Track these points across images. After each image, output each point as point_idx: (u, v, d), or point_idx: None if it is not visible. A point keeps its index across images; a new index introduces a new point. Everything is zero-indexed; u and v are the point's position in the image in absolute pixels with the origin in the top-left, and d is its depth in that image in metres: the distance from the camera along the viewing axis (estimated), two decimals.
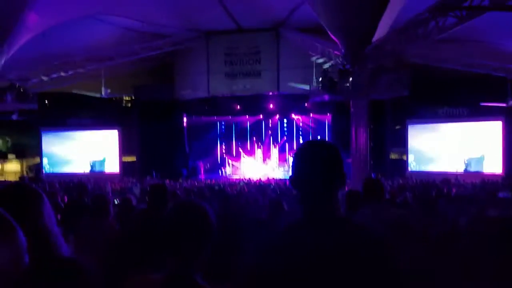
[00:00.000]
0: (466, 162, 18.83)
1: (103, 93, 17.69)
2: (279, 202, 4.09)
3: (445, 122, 19.44)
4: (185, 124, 22.24)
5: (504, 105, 16.48)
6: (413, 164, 20.09)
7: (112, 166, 21.82)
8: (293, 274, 1.26)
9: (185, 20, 17.78)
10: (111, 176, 20.07)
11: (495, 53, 15.61)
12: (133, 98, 22.22)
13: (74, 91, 19.07)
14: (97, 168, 21.67)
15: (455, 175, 16.61)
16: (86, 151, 21.75)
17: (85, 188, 5.84)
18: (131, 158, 22.10)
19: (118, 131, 21.88)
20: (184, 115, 22.07)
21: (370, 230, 1.32)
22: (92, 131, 21.83)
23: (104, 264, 2.43)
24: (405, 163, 20.32)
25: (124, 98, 22.43)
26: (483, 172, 17.65)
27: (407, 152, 20.28)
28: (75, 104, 20.60)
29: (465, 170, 18.54)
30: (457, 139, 18.99)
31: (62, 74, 17.06)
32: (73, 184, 15.06)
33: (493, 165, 17.99)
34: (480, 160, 18.56)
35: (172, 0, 15.21)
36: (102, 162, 21.79)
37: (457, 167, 18.76)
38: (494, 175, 16.24)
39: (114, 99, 21.56)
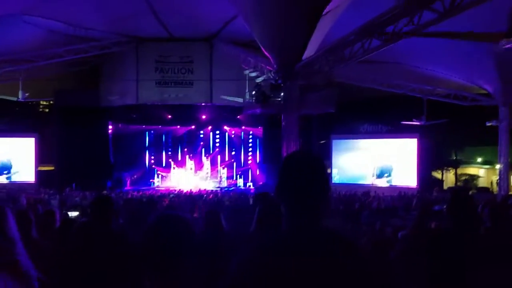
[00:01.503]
0: (385, 176, 20.15)
1: (20, 96, 16.31)
2: (217, 214, 4.02)
3: (366, 138, 20.72)
4: (110, 132, 21.18)
5: (419, 123, 17.94)
6: (337, 177, 21.07)
7: (27, 175, 20.12)
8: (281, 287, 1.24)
9: (114, 24, 17.09)
10: (25, 186, 18.47)
11: (412, 75, 17.03)
12: (51, 102, 20.63)
13: None
14: (10, 178, 19.88)
15: (375, 188, 17.70)
16: None
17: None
18: (48, 167, 20.54)
19: (35, 137, 20.28)
20: (110, 122, 21.02)
21: (357, 245, 1.34)
22: (6, 138, 20.03)
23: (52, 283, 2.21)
24: (330, 176, 21.24)
25: (41, 102, 20.76)
26: (399, 186, 19.01)
27: (331, 165, 21.25)
28: None
29: (383, 184, 19.82)
30: (377, 154, 20.31)
31: None
32: None
33: (409, 179, 19.44)
34: (396, 174, 19.97)
35: (102, 4, 14.57)
36: (11, 171, 20.02)
37: (376, 181, 20.02)
38: (409, 188, 17.53)
39: (30, 103, 19.90)
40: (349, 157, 20.95)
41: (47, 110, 21.25)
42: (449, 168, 19.86)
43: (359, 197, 14.34)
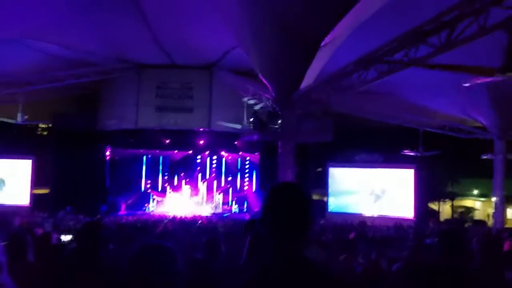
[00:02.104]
0: (380, 205, 20.07)
1: (19, 119, 16.38)
2: (217, 242, 4.02)
3: (362, 167, 20.75)
4: (107, 156, 21.19)
5: (415, 154, 18.03)
6: (332, 205, 20.97)
7: (21, 198, 19.95)
8: None
9: (115, 50, 17.40)
10: (19, 208, 18.28)
11: (407, 106, 17.25)
12: (49, 126, 20.70)
13: None
14: (3, 200, 19.68)
15: (370, 218, 17.60)
16: None
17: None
18: (43, 190, 20.39)
19: (32, 160, 20.23)
20: (107, 146, 21.06)
21: (340, 277, 1.36)
22: (3, 160, 19.98)
23: None
24: (325, 204, 21.15)
25: (39, 125, 20.80)
26: (396, 216, 18.91)
27: (328, 194, 21.18)
28: None
29: (379, 214, 19.73)
30: (373, 184, 20.30)
31: None
32: None
33: (405, 210, 19.36)
34: (393, 204, 19.90)
35: (103, 30, 14.85)
36: (4, 193, 19.86)
37: (372, 210, 19.94)
38: (406, 219, 17.44)
39: (28, 126, 19.97)
40: (345, 185, 20.92)
41: (45, 133, 21.23)
42: (446, 200, 19.84)
43: (355, 226, 14.25)
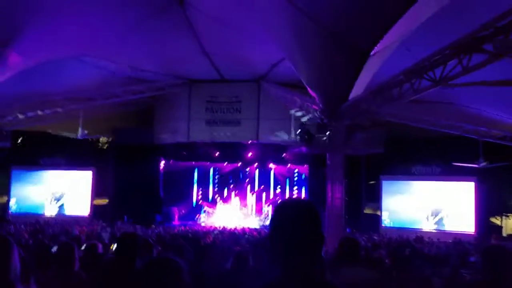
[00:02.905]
0: (438, 220, 19.08)
1: (79, 134, 17.43)
2: (245, 256, 4.00)
3: (418, 180, 19.85)
4: (161, 168, 21.99)
5: (476, 165, 16.98)
6: (387, 220, 20.21)
7: (82, 208, 21.12)
8: None
9: (169, 67, 18.10)
10: (80, 219, 19.37)
11: (466, 116, 16.33)
12: (109, 140, 21.90)
13: (49, 131, 18.74)
14: (65, 210, 20.95)
15: (428, 233, 16.74)
16: (55, 192, 21.10)
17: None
18: (103, 201, 21.48)
19: (93, 172, 21.41)
20: (162, 159, 21.88)
21: None
22: (64, 171, 21.31)
23: None
24: (379, 218, 20.44)
25: (100, 139, 22.02)
26: (455, 232, 17.88)
27: (381, 208, 20.45)
28: (49, 144, 20.19)
29: (437, 229, 18.74)
30: (430, 197, 19.33)
31: (39, 113, 16.80)
32: (40, 227, 14.47)
33: (466, 225, 18.26)
34: (452, 219, 18.84)
35: (159, 49, 15.53)
36: (66, 204, 21.12)
37: (429, 225, 18.97)
38: (466, 235, 16.45)
39: (90, 140, 21.18)
40: (401, 199, 20.10)
41: (105, 147, 22.43)
42: (508, 214, 18.49)
43: (411, 242, 13.61)
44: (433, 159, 18.98)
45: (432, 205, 19.25)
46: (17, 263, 1.45)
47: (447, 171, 18.83)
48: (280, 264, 1.36)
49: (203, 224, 20.97)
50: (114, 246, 8.64)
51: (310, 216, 1.38)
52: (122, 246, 3.01)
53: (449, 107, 15.99)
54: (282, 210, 1.43)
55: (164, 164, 22.11)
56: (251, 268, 3.59)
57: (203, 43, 14.89)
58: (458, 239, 14.40)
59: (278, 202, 1.46)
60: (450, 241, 13.85)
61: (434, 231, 18.28)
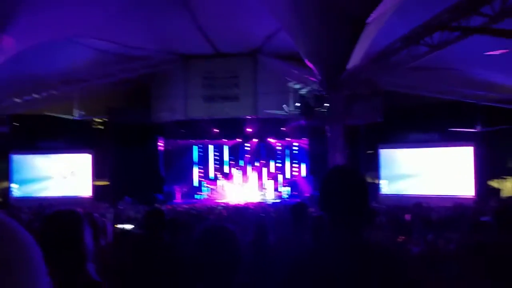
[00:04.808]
0: (437, 185, 19.27)
1: (75, 115, 17.35)
2: (264, 226, 4.09)
3: (416, 147, 19.94)
4: (160, 148, 21.97)
5: (474, 130, 17.05)
6: (386, 188, 20.41)
7: (84, 190, 21.22)
8: None
9: (162, 43, 17.85)
10: (83, 200, 19.48)
11: (464, 80, 16.29)
12: (106, 120, 21.70)
13: (46, 113, 18.61)
14: (67, 193, 21.03)
15: (427, 199, 16.94)
16: (56, 174, 21.14)
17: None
18: (103, 182, 21.54)
19: (92, 154, 21.40)
20: (160, 138, 21.83)
21: (398, 257, 1.36)
22: (65, 155, 21.29)
23: None
24: (377, 187, 20.63)
25: (96, 120, 21.81)
26: (455, 195, 18.09)
27: (379, 177, 20.62)
28: (47, 127, 20.04)
29: (437, 193, 18.94)
30: (429, 163, 19.47)
31: (35, 96, 16.69)
32: (43, 210, 14.52)
33: (465, 189, 18.46)
34: (450, 183, 19.03)
35: (150, 24, 15.27)
36: (67, 187, 21.19)
37: (428, 191, 19.17)
38: (466, 198, 16.65)
39: (87, 121, 21.05)
40: (399, 167, 20.26)
41: (102, 127, 22.22)
42: (506, 177, 18.70)
43: (411, 208, 13.81)
44: (431, 126, 19.00)
45: (430, 171, 19.42)
46: (90, 238, 1.53)
47: (445, 138, 18.90)
48: (330, 226, 1.41)
49: (205, 202, 21.08)
50: (123, 226, 8.74)
51: (357, 182, 1.45)
52: (150, 221, 3.07)
53: (446, 72, 15.95)
54: (331, 178, 1.49)
55: (163, 143, 22.06)
56: (271, 240, 3.68)
57: (196, 15, 14.64)
58: (458, 203, 14.59)
59: (326, 170, 1.51)
60: (450, 205, 14.01)
61: (432, 196, 18.48)
